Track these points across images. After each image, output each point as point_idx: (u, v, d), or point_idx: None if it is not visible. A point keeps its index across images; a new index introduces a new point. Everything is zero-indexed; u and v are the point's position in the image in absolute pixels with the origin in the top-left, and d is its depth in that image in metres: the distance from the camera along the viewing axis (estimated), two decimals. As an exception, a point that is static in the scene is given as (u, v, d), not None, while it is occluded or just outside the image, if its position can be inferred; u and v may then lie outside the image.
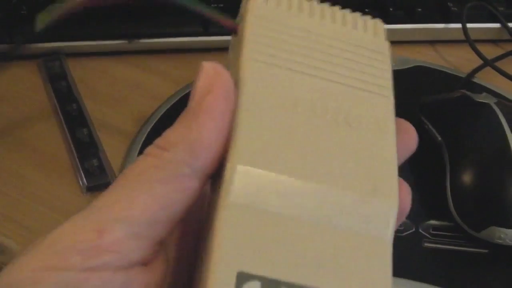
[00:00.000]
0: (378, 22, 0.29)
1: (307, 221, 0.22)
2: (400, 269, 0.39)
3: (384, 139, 0.25)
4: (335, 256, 0.22)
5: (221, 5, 0.55)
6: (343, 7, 0.29)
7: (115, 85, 0.53)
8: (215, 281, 0.19)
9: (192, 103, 0.23)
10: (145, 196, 0.20)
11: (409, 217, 0.41)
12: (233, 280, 0.19)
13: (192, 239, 0.24)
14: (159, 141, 0.22)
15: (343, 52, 0.27)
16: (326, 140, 0.24)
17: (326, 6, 0.28)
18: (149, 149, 0.22)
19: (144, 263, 0.21)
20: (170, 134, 0.22)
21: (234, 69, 0.26)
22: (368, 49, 0.27)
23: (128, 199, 0.20)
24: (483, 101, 0.44)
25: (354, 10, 0.57)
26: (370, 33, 0.28)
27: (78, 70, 0.54)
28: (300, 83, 0.25)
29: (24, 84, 0.53)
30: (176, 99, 0.51)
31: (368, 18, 0.29)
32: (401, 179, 0.25)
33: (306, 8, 0.28)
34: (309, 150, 0.23)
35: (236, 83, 0.24)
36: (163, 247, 0.22)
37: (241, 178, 0.21)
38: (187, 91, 0.52)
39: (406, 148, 0.27)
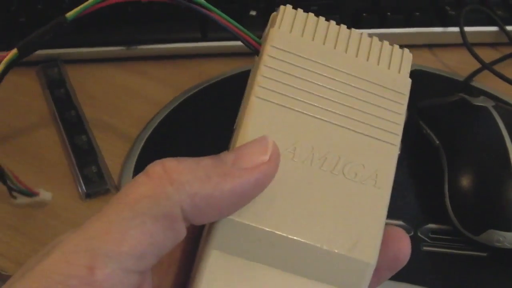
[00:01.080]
0: (405, 53, 0.28)
1: (282, 271, 0.23)
2: (398, 273, 0.39)
3: (377, 195, 0.25)
4: None
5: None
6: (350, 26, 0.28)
7: (114, 92, 0.53)
8: None
9: (232, 155, 0.23)
10: (136, 232, 0.20)
11: (407, 221, 0.42)
12: None
13: (178, 268, 0.25)
14: (170, 163, 0.21)
15: (359, 93, 0.26)
16: (317, 192, 0.24)
17: (353, 33, 0.28)
18: (156, 169, 0.21)
19: None
20: (185, 167, 0.21)
21: (247, 92, 0.26)
22: (387, 90, 0.27)
23: (119, 232, 0.20)
24: (481, 104, 0.44)
25: (353, 14, 0.57)
26: (394, 70, 0.27)
27: (76, 77, 0.54)
28: (303, 127, 0.25)
29: (23, 91, 0.53)
30: (175, 105, 0.51)
31: (396, 48, 0.28)
32: (402, 230, 0.26)
33: (331, 38, 0.27)
34: (297, 203, 0.24)
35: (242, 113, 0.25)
36: (149, 274, 0.23)
37: (226, 228, 0.23)
38: (185, 96, 0.52)
39: (396, 260, 0.26)
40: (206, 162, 0.22)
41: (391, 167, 0.27)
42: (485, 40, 0.58)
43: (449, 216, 0.41)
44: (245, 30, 0.30)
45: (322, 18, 0.28)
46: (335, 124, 0.25)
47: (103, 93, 0.53)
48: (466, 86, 0.53)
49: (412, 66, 0.53)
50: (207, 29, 0.56)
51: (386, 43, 0.28)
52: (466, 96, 0.46)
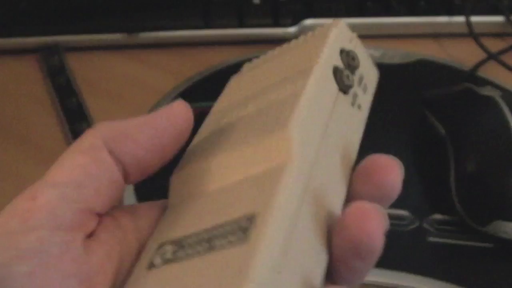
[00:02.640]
0: (335, 20, 0.30)
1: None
2: (404, 264, 0.38)
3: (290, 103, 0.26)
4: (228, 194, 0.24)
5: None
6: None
7: (115, 79, 0.53)
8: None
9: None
10: (69, 164, 0.23)
11: (413, 211, 0.41)
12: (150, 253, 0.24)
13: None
14: (97, 123, 0.25)
15: (283, 58, 0.29)
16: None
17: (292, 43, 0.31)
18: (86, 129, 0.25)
19: (86, 232, 0.23)
20: (106, 121, 0.25)
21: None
22: (308, 42, 0.29)
23: (56, 167, 0.23)
24: (488, 94, 0.44)
25: (357, 3, 0.57)
26: (321, 31, 0.30)
27: (77, 64, 0.54)
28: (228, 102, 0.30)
29: (23, 79, 0.53)
30: (176, 93, 0.50)
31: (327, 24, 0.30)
32: (393, 158, 0.26)
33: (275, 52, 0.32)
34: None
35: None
36: (114, 229, 0.24)
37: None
38: (187, 85, 0.51)
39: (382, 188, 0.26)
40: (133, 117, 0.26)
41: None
42: (491, 30, 0.57)
43: (455, 207, 0.40)
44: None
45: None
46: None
47: (104, 80, 0.53)
48: (472, 76, 0.52)
49: (416, 55, 0.54)
50: (210, 16, 0.55)
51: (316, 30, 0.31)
52: (473, 86, 0.45)
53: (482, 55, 0.53)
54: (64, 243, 0.21)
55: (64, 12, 0.56)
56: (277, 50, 0.32)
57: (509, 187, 0.39)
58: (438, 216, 0.41)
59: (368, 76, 0.29)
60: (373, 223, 0.21)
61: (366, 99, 0.29)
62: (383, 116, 0.48)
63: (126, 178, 0.25)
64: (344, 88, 0.26)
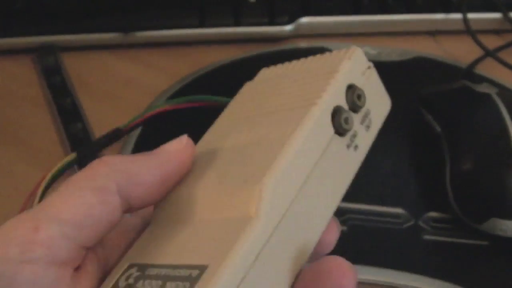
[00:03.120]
0: (352, 48, 0.28)
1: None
2: (399, 262, 0.38)
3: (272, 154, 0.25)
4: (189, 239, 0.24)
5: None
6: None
7: (110, 79, 0.53)
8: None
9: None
10: (75, 202, 0.23)
11: (408, 209, 0.41)
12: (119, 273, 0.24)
13: None
14: (105, 156, 0.25)
15: (290, 85, 0.29)
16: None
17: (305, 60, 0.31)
18: (94, 161, 0.25)
19: (75, 266, 0.23)
20: (118, 156, 0.25)
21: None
22: (317, 74, 0.28)
23: (61, 202, 0.23)
24: (484, 91, 0.43)
25: (353, 1, 0.56)
26: (333, 60, 0.28)
27: (72, 64, 0.54)
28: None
29: (18, 78, 0.53)
30: (171, 93, 0.50)
31: (343, 50, 0.29)
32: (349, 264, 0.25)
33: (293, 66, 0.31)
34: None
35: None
36: (98, 258, 0.25)
37: None
38: (182, 84, 0.51)
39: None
40: (138, 154, 0.26)
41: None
42: (488, 27, 0.57)
43: (451, 205, 0.40)
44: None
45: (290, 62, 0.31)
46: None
47: (99, 80, 0.52)
48: (469, 73, 0.52)
49: (413, 53, 0.53)
50: (205, 15, 0.55)
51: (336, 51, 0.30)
52: (469, 83, 0.45)
53: (479, 52, 0.53)
54: (55, 278, 0.22)
55: (59, 11, 0.55)
56: (295, 64, 0.31)
57: (505, 184, 0.38)
58: (433, 214, 0.41)
59: (376, 109, 0.28)
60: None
61: (367, 137, 0.28)
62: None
63: (126, 212, 0.25)
64: (341, 131, 0.26)
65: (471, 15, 0.55)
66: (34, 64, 0.54)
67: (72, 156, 0.38)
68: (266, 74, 0.32)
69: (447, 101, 0.44)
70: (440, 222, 0.41)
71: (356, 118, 0.27)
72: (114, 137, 0.41)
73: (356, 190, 0.42)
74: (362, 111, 0.27)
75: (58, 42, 0.55)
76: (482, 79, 0.50)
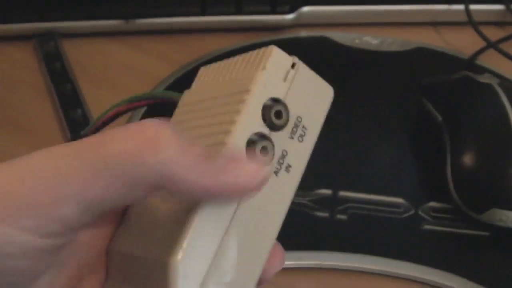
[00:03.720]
0: (267, 51, 0.25)
1: None
2: (399, 252, 0.38)
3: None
4: None
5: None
6: None
7: (110, 66, 0.52)
8: None
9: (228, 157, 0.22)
10: (106, 184, 0.20)
11: (408, 199, 0.41)
12: None
13: None
14: (166, 131, 0.21)
15: (210, 109, 0.26)
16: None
17: (235, 60, 0.27)
18: (151, 129, 0.21)
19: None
20: (179, 142, 0.21)
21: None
22: (232, 95, 0.25)
23: (92, 177, 0.20)
24: (486, 81, 0.43)
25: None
26: (251, 71, 0.25)
27: (73, 51, 0.53)
28: None
29: (19, 65, 0.53)
30: (171, 81, 0.50)
31: (262, 50, 0.26)
32: (277, 243, 0.24)
33: (221, 73, 0.27)
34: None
35: None
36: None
37: None
38: (182, 72, 0.51)
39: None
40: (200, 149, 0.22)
41: None
42: (490, 19, 0.57)
43: (451, 195, 0.40)
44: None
45: (225, 60, 0.27)
46: None
47: (99, 67, 0.52)
48: (470, 64, 0.52)
49: (415, 43, 0.53)
50: (207, 3, 0.55)
51: (255, 51, 0.26)
52: (471, 73, 0.45)
53: (481, 43, 0.53)
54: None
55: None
56: (225, 66, 0.27)
57: (506, 175, 0.38)
58: (434, 204, 0.41)
59: (311, 109, 0.26)
60: None
61: (302, 148, 0.25)
62: (381, 104, 0.48)
63: None
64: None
65: (473, 7, 0.54)
66: (35, 50, 0.53)
67: None
68: (202, 76, 0.29)
69: (449, 91, 0.44)
70: (440, 212, 0.41)
71: (281, 137, 0.24)
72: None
73: (357, 180, 0.42)
74: (289, 125, 0.24)
75: (59, 29, 0.54)
76: (483, 70, 0.50)
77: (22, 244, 0.20)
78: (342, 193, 0.41)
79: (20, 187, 0.20)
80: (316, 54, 0.52)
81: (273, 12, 0.56)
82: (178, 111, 0.28)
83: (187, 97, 0.28)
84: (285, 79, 0.25)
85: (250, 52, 0.26)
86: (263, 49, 0.25)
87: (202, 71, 0.29)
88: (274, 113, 0.24)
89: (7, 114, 0.48)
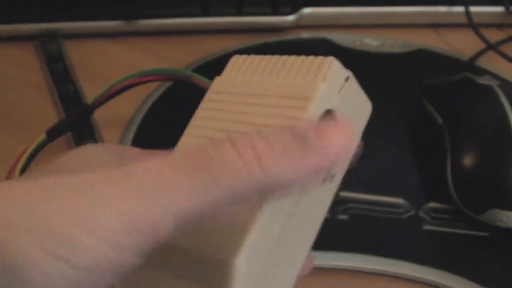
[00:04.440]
0: (327, 61, 0.27)
1: None
2: (399, 252, 0.38)
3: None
4: None
5: None
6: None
7: (112, 67, 0.53)
8: None
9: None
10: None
11: (409, 199, 0.41)
12: None
13: None
14: (261, 145, 0.20)
15: (265, 109, 0.26)
16: None
17: (280, 59, 0.28)
18: (244, 145, 0.20)
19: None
20: (276, 151, 0.20)
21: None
22: (292, 99, 0.26)
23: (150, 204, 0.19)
24: (486, 83, 0.43)
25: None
26: (308, 78, 0.26)
27: (75, 52, 0.54)
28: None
29: (21, 65, 0.53)
30: (173, 82, 0.50)
31: (317, 58, 0.27)
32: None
33: (260, 70, 0.28)
34: None
35: None
36: None
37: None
38: (184, 73, 0.51)
39: None
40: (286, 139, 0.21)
41: None
42: (490, 21, 0.57)
43: (451, 195, 0.40)
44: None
45: (263, 57, 0.29)
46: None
47: (101, 68, 0.52)
48: (470, 66, 0.52)
49: (416, 45, 0.53)
50: (208, 4, 0.55)
51: (309, 57, 0.27)
52: (471, 75, 0.45)
53: (481, 45, 0.53)
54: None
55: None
56: (271, 64, 0.28)
57: (505, 175, 0.38)
58: (434, 205, 0.41)
59: (355, 122, 0.27)
60: None
61: (342, 162, 0.26)
62: (381, 105, 0.48)
63: None
64: None
65: (473, 8, 0.55)
66: (37, 51, 0.54)
67: (43, 136, 0.39)
68: (236, 66, 0.29)
69: (449, 93, 0.44)
70: (441, 212, 0.41)
71: None
72: (84, 114, 0.39)
73: (358, 180, 0.42)
74: None
75: (61, 30, 0.54)
76: (483, 72, 0.50)
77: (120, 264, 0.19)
78: (343, 194, 0.41)
79: (122, 203, 0.19)
80: (317, 55, 0.52)
81: (274, 13, 0.56)
82: (209, 97, 0.28)
83: (219, 85, 0.28)
84: (340, 91, 0.26)
85: (300, 57, 0.27)
86: (320, 58, 0.26)
87: (235, 60, 0.29)
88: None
89: (9, 114, 0.48)
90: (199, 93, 0.43)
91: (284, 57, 0.28)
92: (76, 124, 0.40)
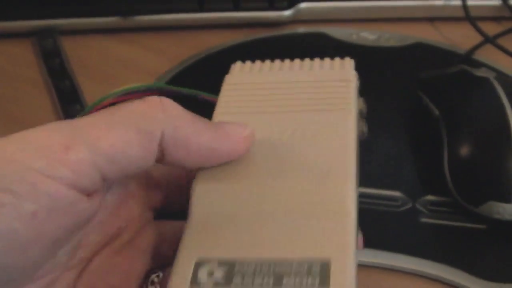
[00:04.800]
0: (346, 59, 0.33)
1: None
2: (396, 245, 0.38)
3: (339, 149, 0.27)
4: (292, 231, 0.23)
5: None
6: None
7: (109, 62, 0.53)
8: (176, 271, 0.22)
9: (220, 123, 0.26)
10: (116, 134, 0.22)
11: (406, 192, 0.41)
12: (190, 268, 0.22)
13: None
14: (167, 100, 0.24)
15: (305, 88, 0.30)
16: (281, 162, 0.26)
17: (296, 61, 0.33)
18: (153, 98, 0.24)
19: (90, 194, 0.23)
20: (179, 107, 0.25)
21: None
22: (331, 81, 0.30)
23: (102, 129, 0.22)
24: (482, 75, 0.43)
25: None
26: (336, 69, 0.32)
27: (72, 48, 0.54)
28: (258, 125, 0.28)
29: (18, 61, 0.53)
30: (170, 76, 0.50)
31: (337, 59, 0.33)
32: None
33: (275, 66, 0.32)
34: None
35: None
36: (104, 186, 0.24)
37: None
38: (181, 68, 0.51)
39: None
40: (198, 117, 0.25)
41: (349, 124, 0.28)
42: (487, 14, 0.57)
43: (448, 188, 0.40)
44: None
45: (265, 62, 0.33)
46: (287, 112, 0.28)
47: (98, 63, 0.52)
48: (467, 59, 0.52)
49: (412, 39, 0.53)
50: (204, 0, 0.55)
51: (327, 58, 0.33)
52: (467, 67, 0.45)
53: (478, 38, 0.53)
54: (72, 202, 0.22)
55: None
56: (280, 65, 0.33)
57: (503, 168, 0.38)
58: (431, 197, 0.41)
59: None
60: None
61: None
62: (378, 98, 0.48)
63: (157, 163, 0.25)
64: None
65: (470, 2, 0.55)
66: (34, 47, 0.54)
67: None
68: (244, 69, 0.33)
69: (446, 85, 0.44)
70: (438, 205, 0.41)
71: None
72: None
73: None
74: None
75: (58, 26, 0.54)
76: (480, 65, 0.50)
77: (31, 182, 0.21)
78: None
79: (37, 134, 0.22)
80: (314, 49, 0.52)
81: (271, 8, 0.56)
82: (224, 97, 0.31)
83: (235, 78, 0.32)
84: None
85: (306, 59, 0.33)
86: (338, 61, 0.33)
87: (239, 65, 0.33)
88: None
89: (6, 110, 0.48)
90: (199, 86, 0.43)
91: (287, 60, 0.33)
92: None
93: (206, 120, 0.25)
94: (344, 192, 0.24)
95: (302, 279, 0.21)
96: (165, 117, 0.23)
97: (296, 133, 0.27)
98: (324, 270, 0.21)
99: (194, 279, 0.22)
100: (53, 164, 0.21)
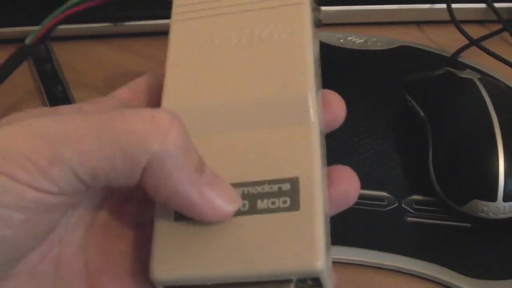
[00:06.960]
0: None
1: (230, 131, 0.25)
2: (383, 243, 0.39)
3: (296, 42, 0.26)
4: (258, 154, 0.24)
5: None
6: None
7: (100, 68, 0.53)
8: None
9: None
10: (106, 155, 0.21)
11: (391, 192, 0.42)
12: None
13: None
14: (178, 121, 0.22)
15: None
16: (241, 61, 0.26)
17: None
18: (165, 118, 0.22)
19: (73, 198, 0.23)
20: (187, 138, 0.22)
21: None
22: None
23: (94, 144, 0.21)
24: (466, 76, 0.44)
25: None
26: None
27: (63, 54, 0.54)
28: (216, 24, 0.28)
29: (9, 68, 0.53)
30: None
31: None
32: (336, 93, 0.27)
33: None
34: (226, 73, 0.26)
35: None
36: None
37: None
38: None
39: (334, 119, 0.28)
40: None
41: (303, 19, 0.28)
42: (472, 17, 0.58)
43: (434, 187, 0.41)
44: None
45: None
46: (242, 11, 0.29)
47: (90, 69, 0.53)
48: (453, 61, 0.53)
49: (399, 42, 0.54)
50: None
51: None
52: (452, 69, 0.46)
53: (463, 41, 0.54)
54: (56, 204, 0.22)
55: (50, 1, 0.56)
56: None
57: (486, 167, 0.39)
58: (416, 197, 0.42)
59: None
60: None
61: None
62: (365, 100, 0.49)
63: None
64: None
65: (455, 5, 0.55)
66: (25, 53, 0.54)
67: None
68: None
69: (431, 86, 0.45)
70: (423, 204, 0.41)
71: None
72: (22, 54, 0.40)
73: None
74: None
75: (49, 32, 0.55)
76: (466, 67, 0.51)
77: (17, 194, 0.20)
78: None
79: (22, 142, 0.21)
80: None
81: (260, 13, 0.56)
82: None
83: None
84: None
85: None
86: None
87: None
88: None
89: (-1, 115, 0.49)
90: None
91: None
92: (16, 65, 0.40)
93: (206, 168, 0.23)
94: (305, 102, 0.24)
95: (274, 200, 0.22)
96: (160, 150, 0.21)
97: (253, 35, 0.27)
98: (293, 189, 0.22)
99: None
100: (38, 179, 0.21)
